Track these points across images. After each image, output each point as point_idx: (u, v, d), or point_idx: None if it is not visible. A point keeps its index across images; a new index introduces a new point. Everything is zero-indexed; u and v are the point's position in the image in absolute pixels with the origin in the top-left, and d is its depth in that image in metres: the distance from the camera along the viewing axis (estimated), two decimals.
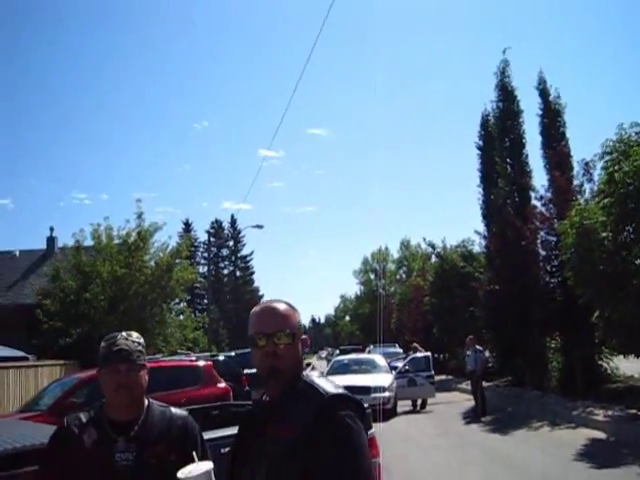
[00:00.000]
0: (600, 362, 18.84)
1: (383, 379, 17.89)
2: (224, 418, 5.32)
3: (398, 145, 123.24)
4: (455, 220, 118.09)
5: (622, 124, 12.64)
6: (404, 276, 64.72)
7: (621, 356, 18.42)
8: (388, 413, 16.78)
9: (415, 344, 24.17)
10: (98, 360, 2.71)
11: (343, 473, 1.88)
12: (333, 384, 2.11)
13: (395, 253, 71.99)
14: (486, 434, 13.16)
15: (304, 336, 2.20)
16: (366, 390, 16.94)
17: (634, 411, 12.53)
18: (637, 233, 11.69)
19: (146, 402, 2.76)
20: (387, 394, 17.22)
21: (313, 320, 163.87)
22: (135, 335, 2.77)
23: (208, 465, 2.26)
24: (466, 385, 23.84)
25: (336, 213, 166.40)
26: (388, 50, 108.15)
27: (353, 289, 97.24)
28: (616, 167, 12.23)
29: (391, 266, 71.94)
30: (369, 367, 19.86)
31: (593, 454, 9.99)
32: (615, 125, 12.59)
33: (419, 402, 19.17)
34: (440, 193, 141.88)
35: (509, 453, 10.73)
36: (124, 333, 2.75)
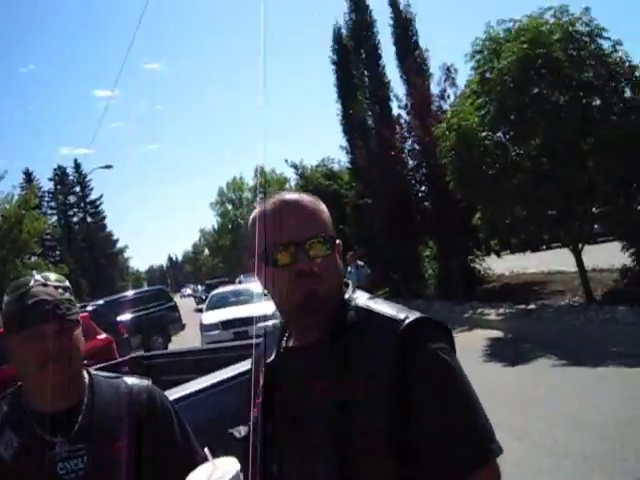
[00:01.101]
0: (473, 265, 19.31)
1: (266, 307, 17.35)
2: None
3: (238, 72, 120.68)
4: (310, 142, 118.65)
5: (489, 22, 12.46)
6: None
7: (493, 256, 19.02)
8: None
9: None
10: (4, 324, 1.78)
11: (458, 438, 1.29)
12: (397, 305, 1.44)
13: (250, 181, 71.23)
14: None
15: (338, 241, 1.49)
16: (251, 320, 16.44)
17: (523, 306, 12.78)
18: (515, 129, 11.62)
19: (86, 376, 1.88)
20: (272, 321, 16.71)
21: (170, 259, 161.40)
22: (54, 277, 1.87)
23: (234, 465, 1.48)
24: None
25: (182, 148, 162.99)
26: None
27: (211, 222, 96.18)
28: (487, 66, 12.07)
29: (248, 195, 71.19)
30: (248, 297, 19.30)
31: (499, 353, 9.99)
32: (463, 31, 12.39)
33: None
34: (291, 116, 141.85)
35: None
36: (38, 276, 1.84)
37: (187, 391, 2.79)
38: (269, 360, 1.52)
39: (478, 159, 11.87)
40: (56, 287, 1.82)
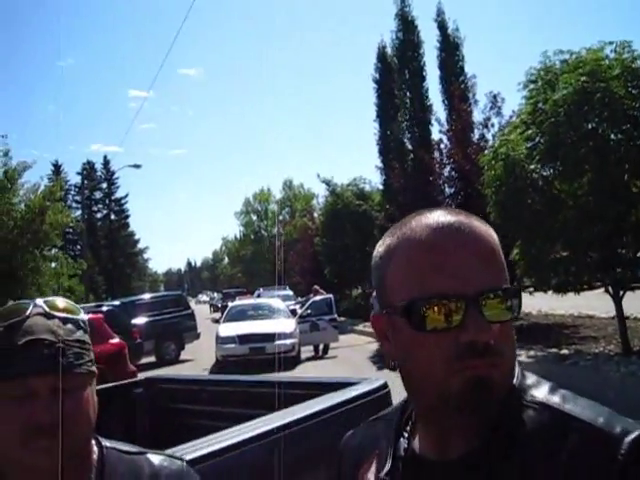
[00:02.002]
0: None
1: (286, 324, 16.96)
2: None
3: (277, 84, 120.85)
4: (342, 159, 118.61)
5: (546, 51, 12.01)
6: (287, 217, 63.99)
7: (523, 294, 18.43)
8: (293, 360, 15.94)
9: (316, 286, 23.30)
10: None
11: None
12: (597, 405, 0.95)
13: (278, 194, 71.04)
14: None
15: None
16: (270, 337, 15.99)
17: (555, 350, 12.21)
18: (565, 164, 11.11)
19: (96, 452, 1.32)
20: (291, 340, 16.33)
21: (189, 264, 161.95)
22: (63, 305, 1.30)
23: None
24: (363, 327, 23.40)
25: (211, 156, 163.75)
26: None
27: (234, 231, 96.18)
28: (541, 97, 11.62)
29: (274, 207, 70.97)
30: (269, 312, 18.88)
31: None
32: (511, 60, 12.02)
33: (321, 347, 18.37)
34: (324, 132, 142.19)
35: None
36: (40, 301, 1.29)
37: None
38: (382, 473, 1.04)
39: (524, 192, 11.38)
40: (64, 320, 1.26)
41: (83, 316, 1.32)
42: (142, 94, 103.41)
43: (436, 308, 0.90)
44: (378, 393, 2.91)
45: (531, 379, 1.00)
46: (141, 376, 12.24)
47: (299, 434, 2.38)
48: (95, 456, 1.31)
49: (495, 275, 0.94)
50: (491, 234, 0.98)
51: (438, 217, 0.97)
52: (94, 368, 1.29)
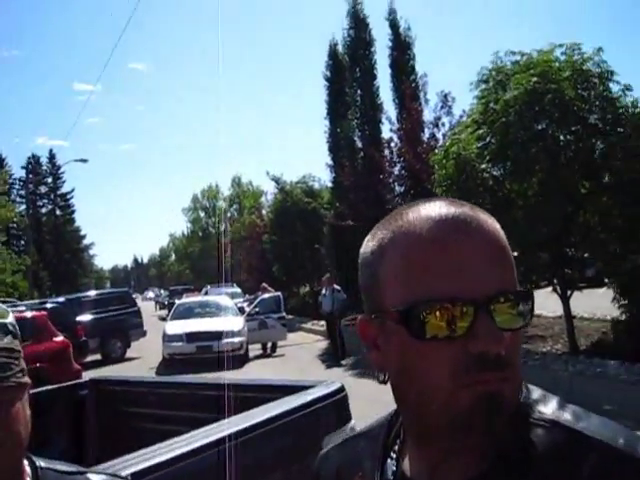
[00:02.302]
0: None
1: (234, 322, 16.74)
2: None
3: (228, 80, 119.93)
4: (292, 157, 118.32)
5: (498, 52, 12.05)
6: (235, 214, 63.52)
7: None
8: (241, 359, 15.73)
9: (264, 284, 23.09)
10: None
11: None
12: (610, 422, 0.85)
13: (226, 191, 70.42)
14: (355, 379, 12.34)
15: None
16: (218, 335, 15.76)
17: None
18: (515, 164, 11.15)
19: (29, 473, 1.14)
20: (239, 339, 16.12)
21: (136, 260, 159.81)
22: None
23: None
24: (312, 325, 23.33)
25: (159, 151, 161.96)
26: None
27: (181, 228, 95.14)
28: (492, 96, 11.64)
29: (222, 204, 70.35)
30: (216, 310, 18.63)
31: None
32: (463, 60, 12.06)
33: (269, 345, 18.16)
34: (274, 129, 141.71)
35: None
36: None
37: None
38: None
39: (474, 191, 11.39)
40: None
41: (11, 319, 1.13)
42: (89, 87, 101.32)
43: (439, 313, 0.77)
44: (335, 397, 2.76)
45: (537, 393, 0.89)
46: (86, 375, 11.95)
47: (251, 441, 2.23)
48: (29, 478, 1.14)
49: (506, 276, 0.81)
50: (499, 229, 0.85)
51: (440, 208, 0.83)
52: (26, 379, 1.11)
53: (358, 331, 0.90)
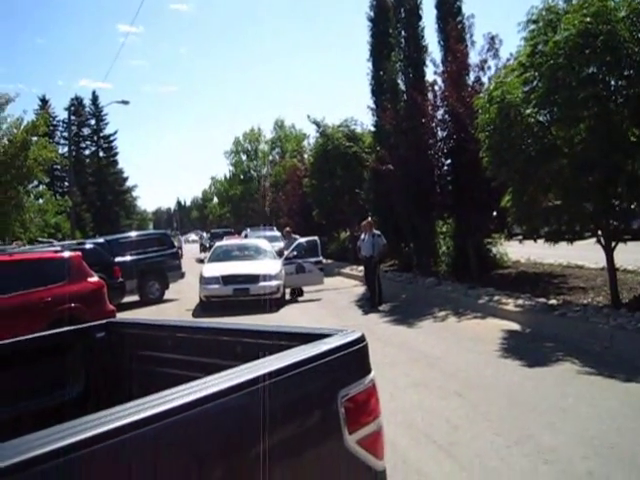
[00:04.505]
0: (489, 247, 18.55)
1: (271, 266, 16.68)
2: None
3: (271, 21, 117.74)
4: (335, 100, 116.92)
5: None
6: (277, 157, 63.23)
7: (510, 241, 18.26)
8: (277, 302, 15.72)
9: (288, 228, 22.95)
10: None
11: None
12: None
13: (268, 134, 69.94)
14: (391, 326, 12.27)
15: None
16: (254, 278, 15.75)
17: (543, 300, 11.99)
18: (562, 109, 10.69)
19: None
20: (276, 282, 16.06)
21: (179, 203, 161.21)
22: None
23: None
24: (350, 270, 23.24)
25: (202, 93, 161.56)
26: None
27: (223, 171, 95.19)
28: (541, 38, 11.11)
29: (264, 147, 70.02)
30: (254, 253, 18.60)
31: (517, 350, 9.19)
32: (508, 5, 11.43)
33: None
34: (318, 71, 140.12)
35: (427, 350, 9.78)
36: None
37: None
38: None
39: (518, 137, 10.99)
40: None
41: None
42: (132, 29, 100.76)
43: None
44: (353, 347, 2.59)
45: None
46: (122, 315, 12.01)
47: (258, 392, 2.09)
48: None
49: None
50: None
51: None
52: None
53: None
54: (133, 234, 21.75)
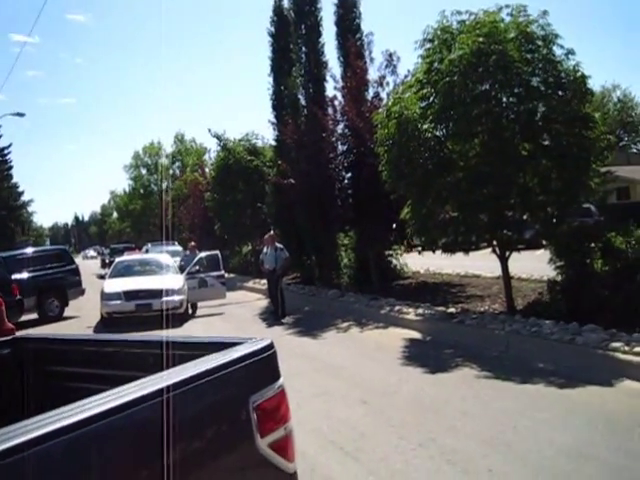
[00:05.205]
0: (390, 259, 18.98)
1: (174, 281, 16.50)
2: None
3: (171, 34, 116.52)
4: (236, 114, 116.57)
5: (444, 11, 11.87)
6: (178, 172, 62.53)
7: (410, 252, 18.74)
8: (180, 317, 15.56)
9: (193, 243, 22.82)
10: None
11: None
12: None
13: (169, 148, 69.08)
14: (295, 337, 12.36)
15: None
16: (157, 293, 15.53)
17: (442, 308, 12.39)
18: (458, 125, 11.11)
19: None
20: (179, 297, 15.91)
21: (76, 218, 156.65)
22: None
23: None
24: (253, 284, 23.26)
25: (100, 106, 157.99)
26: None
27: (123, 185, 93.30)
28: (437, 56, 11.54)
29: (164, 161, 69.10)
30: (156, 268, 18.32)
31: (418, 357, 9.46)
32: (409, 19, 11.90)
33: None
34: (219, 86, 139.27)
35: (331, 360, 9.93)
36: None
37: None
38: None
39: (416, 151, 11.35)
40: None
41: None
42: (28, 39, 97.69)
43: None
44: (263, 354, 2.66)
45: None
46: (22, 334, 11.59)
47: (172, 400, 2.12)
48: None
49: None
50: None
51: None
52: None
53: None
54: (30, 250, 21.04)
